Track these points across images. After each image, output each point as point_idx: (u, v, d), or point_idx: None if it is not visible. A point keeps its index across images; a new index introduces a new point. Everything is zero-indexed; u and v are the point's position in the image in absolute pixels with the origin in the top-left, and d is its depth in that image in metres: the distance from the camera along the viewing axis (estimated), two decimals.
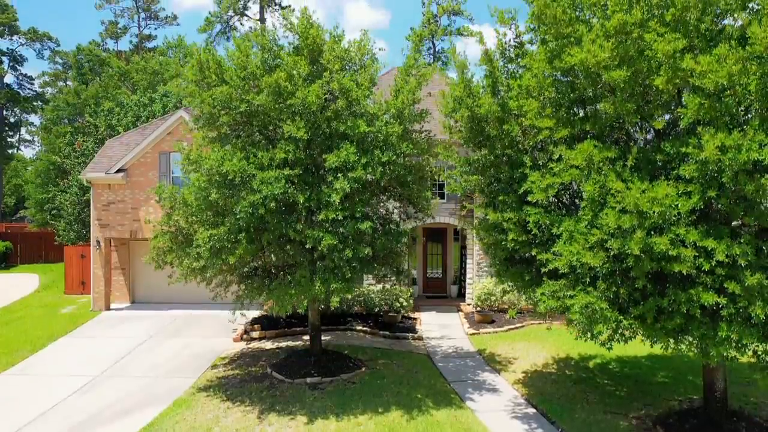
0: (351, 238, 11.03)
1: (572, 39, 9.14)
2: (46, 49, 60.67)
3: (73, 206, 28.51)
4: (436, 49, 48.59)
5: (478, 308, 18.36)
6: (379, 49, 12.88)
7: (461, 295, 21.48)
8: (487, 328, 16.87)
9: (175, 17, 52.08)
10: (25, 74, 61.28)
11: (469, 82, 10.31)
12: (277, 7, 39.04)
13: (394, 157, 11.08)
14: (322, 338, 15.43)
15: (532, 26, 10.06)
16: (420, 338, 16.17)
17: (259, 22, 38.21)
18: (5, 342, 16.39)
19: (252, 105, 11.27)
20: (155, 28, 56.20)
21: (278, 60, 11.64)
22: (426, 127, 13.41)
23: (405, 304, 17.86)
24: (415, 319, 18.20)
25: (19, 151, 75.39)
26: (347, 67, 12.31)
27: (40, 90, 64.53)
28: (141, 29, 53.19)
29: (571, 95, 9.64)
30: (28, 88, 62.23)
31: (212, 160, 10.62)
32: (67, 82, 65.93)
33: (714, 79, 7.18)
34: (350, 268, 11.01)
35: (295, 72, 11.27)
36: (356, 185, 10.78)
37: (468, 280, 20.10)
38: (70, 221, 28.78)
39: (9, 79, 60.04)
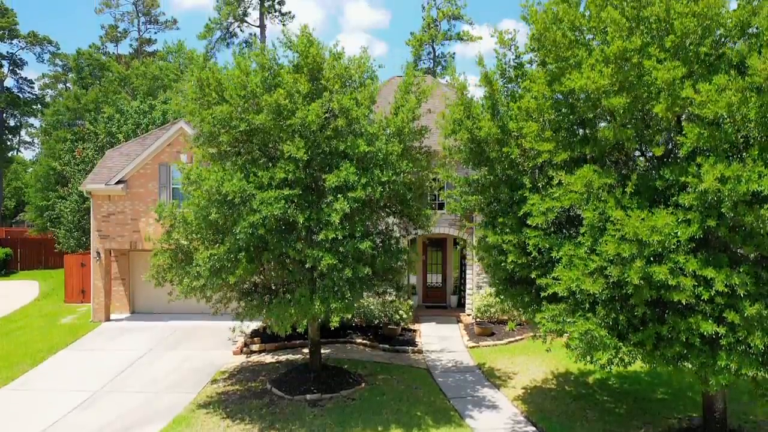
0: (351, 257, 11.04)
1: (572, 62, 9.16)
2: (46, 53, 60.68)
3: (73, 214, 28.51)
4: (436, 54, 48.56)
5: (478, 320, 18.37)
6: (379, 66, 12.91)
7: (461, 305, 21.49)
8: (486, 341, 16.88)
9: (174, 21, 52.14)
10: (25, 78, 61.29)
11: (469, 104, 10.33)
12: (277, 14, 39.08)
13: (394, 176, 11.09)
14: (322, 351, 15.45)
15: (532, 47, 10.07)
16: (420, 351, 16.18)
17: (259, 29, 38.29)
18: (5, 355, 16.40)
19: (252, 124, 11.28)
20: (155, 32, 56.28)
21: (278, 78, 11.63)
22: (426, 141, 13.38)
23: (405, 316, 17.86)
24: (414, 330, 18.21)
25: (19, 153, 75.38)
26: (347, 84, 12.32)
27: (40, 92, 64.60)
28: (141, 33, 53.21)
29: (571, 117, 9.67)
30: (28, 92, 62.27)
31: (212, 180, 10.64)
32: (67, 85, 66.02)
33: (713, 109, 7.19)
34: (350, 288, 11.02)
35: (295, 91, 11.27)
36: (356, 205, 10.79)
37: (468, 291, 20.11)
38: (69, 229, 28.77)
39: (9, 82, 60.10)
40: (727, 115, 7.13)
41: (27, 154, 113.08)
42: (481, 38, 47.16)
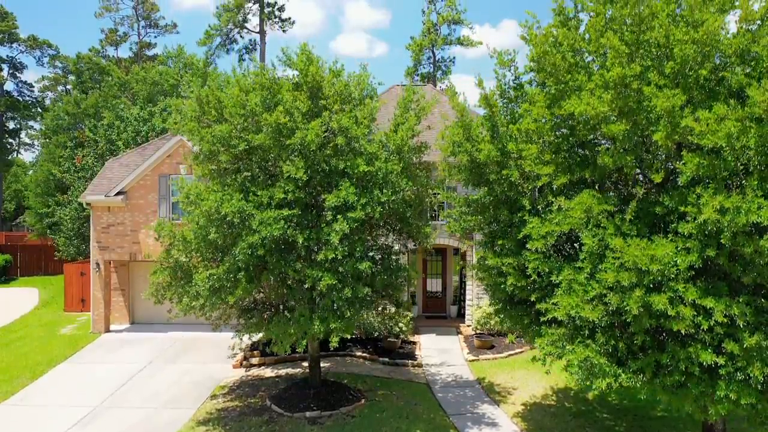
0: (350, 276, 11.05)
1: (571, 85, 9.16)
2: (45, 57, 60.68)
3: (72, 221, 28.49)
4: (437, 58, 48.56)
5: (478, 332, 18.36)
6: (378, 83, 12.90)
7: (461, 315, 21.48)
8: (486, 354, 16.87)
9: (174, 25, 52.16)
10: (25, 81, 61.30)
11: (469, 125, 10.32)
12: (277, 20, 39.08)
13: (393, 196, 11.08)
14: (322, 365, 15.46)
15: (531, 68, 10.07)
16: (420, 365, 16.18)
17: (258, 35, 38.24)
18: (5, 368, 16.40)
19: (251, 143, 11.28)
20: (155, 36, 56.27)
21: (278, 97, 11.62)
22: (425, 151, 13.34)
23: (404, 328, 17.86)
24: (414, 343, 18.20)
25: (19, 155, 75.26)
26: (347, 101, 12.31)
27: (40, 94, 64.59)
28: (141, 37, 53.20)
29: (571, 139, 9.66)
30: (28, 95, 62.26)
31: (211, 201, 10.64)
32: (67, 87, 66.03)
33: (713, 139, 7.19)
34: (349, 307, 11.02)
35: (294, 109, 11.26)
36: (355, 225, 10.79)
37: (468, 302, 20.11)
38: (69, 236, 28.76)
39: (9, 86, 60.09)
40: (727, 145, 7.12)
41: (27, 156, 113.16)
42: (481, 43, 47.27)
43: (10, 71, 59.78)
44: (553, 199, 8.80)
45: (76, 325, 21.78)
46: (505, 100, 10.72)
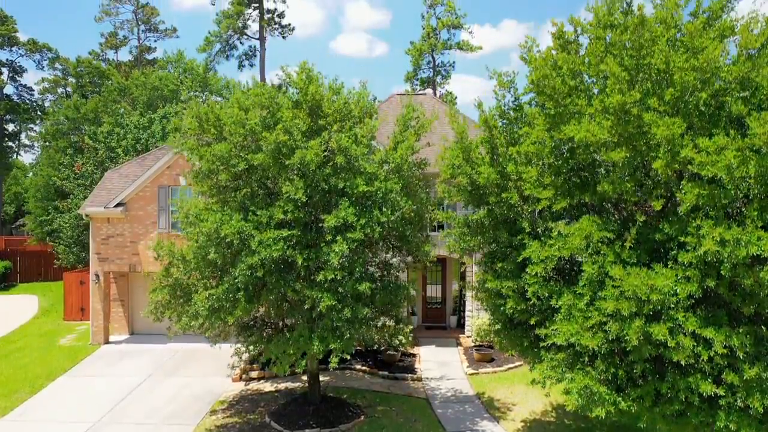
0: (350, 297, 11.04)
1: (571, 109, 9.16)
2: (45, 60, 60.64)
3: (72, 229, 28.48)
4: (436, 63, 48.52)
5: (477, 345, 18.35)
6: (378, 101, 12.87)
7: (461, 326, 21.47)
8: (486, 368, 16.86)
9: (174, 29, 52.09)
10: (25, 85, 61.20)
11: (468, 147, 10.31)
12: (277, 26, 39.04)
13: (393, 217, 11.08)
14: (321, 378, 15.43)
15: (531, 90, 10.06)
16: (419, 379, 16.16)
17: (258, 41, 38.22)
18: (4, 381, 16.38)
19: (251, 162, 11.27)
20: (155, 41, 56.26)
21: (278, 115, 11.61)
22: (425, 159, 13.30)
23: (404, 341, 17.83)
24: (414, 355, 18.19)
25: (19, 157, 75.12)
26: (347, 118, 12.29)
27: (40, 96, 64.56)
28: (141, 41, 53.19)
29: (570, 161, 9.66)
30: (28, 99, 62.19)
31: (210, 223, 10.63)
32: (67, 89, 66.01)
33: (713, 170, 7.18)
34: (349, 328, 11.01)
35: (294, 127, 11.25)
36: (355, 245, 10.79)
37: (467, 312, 20.10)
38: (69, 244, 28.74)
39: (8, 89, 60.05)
40: (727, 176, 7.11)
41: (27, 158, 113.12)
42: (481, 48, 47.12)
43: (10, 75, 59.80)
44: (553, 225, 8.78)
45: (75, 335, 21.76)
46: (504, 121, 10.71)
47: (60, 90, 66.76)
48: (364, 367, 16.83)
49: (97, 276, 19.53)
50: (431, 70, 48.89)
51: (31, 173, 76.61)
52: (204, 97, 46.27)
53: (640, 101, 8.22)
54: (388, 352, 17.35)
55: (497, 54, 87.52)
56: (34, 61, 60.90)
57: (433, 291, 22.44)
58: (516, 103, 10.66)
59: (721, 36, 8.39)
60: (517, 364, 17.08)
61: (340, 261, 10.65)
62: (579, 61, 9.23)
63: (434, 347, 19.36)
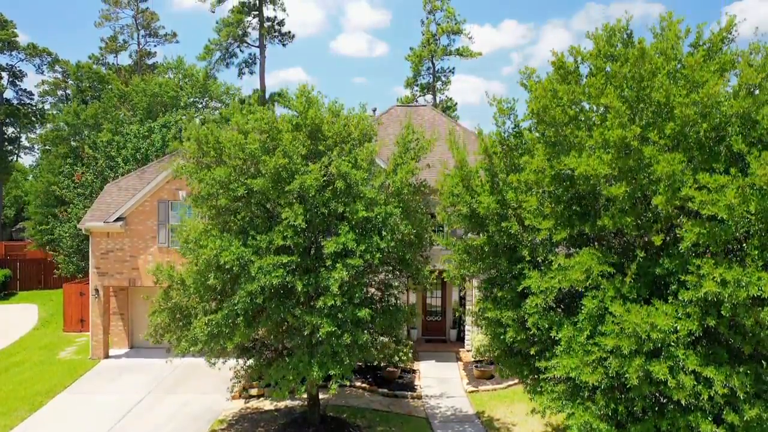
0: (350, 322, 11.03)
1: (571, 140, 9.14)
2: (45, 64, 60.63)
3: (72, 238, 28.44)
4: (436, 69, 48.51)
5: (477, 362, 18.32)
6: (378, 123, 12.86)
7: (461, 339, 21.45)
8: (486, 385, 16.84)
9: (174, 34, 52.11)
10: (25, 89, 61.20)
11: (468, 175, 10.29)
12: (276, 34, 39.00)
13: (393, 243, 11.06)
14: (321, 396, 15.40)
15: (531, 119, 10.05)
16: (419, 397, 16.14)
17: (258, 49, 38.21)
18: (4, 399, 16.35)
19: (251, 187, 11.25)
20: (155, 45, 56.35)
21: (278, 139, 11.59)
22: (424, 175, 13.28)
23: (404, 358, 17.79)
24: (414, 371, 18.17)
25: (19, 159, 75.03)
26: (346, 140, 12.27)
27: (40, 99, 64.61)
28: (141, 46, 53.18)
29: (571, 190, 9.64)
30: (28, 104, 62.17)
31: (209, 250, 10.61)
32: (67, 91, 65.98)
33: (713, 210, 7.17)
34: (348, 354, 11.00)
35: (294, 154, 11.24)
36: (354, 271, 10.78)
37: (467, 326, 20.07)
38: (69, 254, 28.71)
39: (8, 94, 60.05)
40: (728, 215, 7.09)
41: (27, 160, 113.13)
42: (480, 54, 47.13)
43: (10, 79, 59.80)
44: (553, 257, 8.77)
45: (75, 348, 21.75)
46: (505, 147, 10.68)
47: (60, 92, 66.83)
48: (363, 385, 16.81)
49: (97, 291, 19.51)
50: (431, 75, 48.90)
51: (31, 176, 76.68)
52: (204, 103, 46.33)
53: (640, 136, 8.19)
54: (388, 368, 17.32)
55: (497, 54, 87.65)
56: (34, 65, 60.92)
57: (433, 302, 22.41)
58: (516, 129, 10.63)
59: (722, 69, 8.37)
60: (517, 381, 17.01)
61: (340, 287, 10.64)
62: (579, 90, 9.20)
63: (434, 362, 19.34)
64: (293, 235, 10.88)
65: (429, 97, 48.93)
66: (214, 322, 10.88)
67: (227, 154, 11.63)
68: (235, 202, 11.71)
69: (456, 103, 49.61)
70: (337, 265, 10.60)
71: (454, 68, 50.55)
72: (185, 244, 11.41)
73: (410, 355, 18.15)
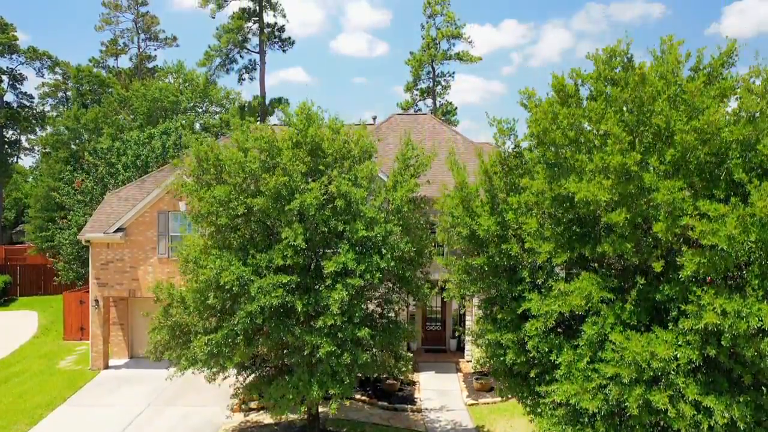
0: (350, 341, 11.03)
1: (571, 163, 9.13)
2: (45, 68, 60.64)
3: (72, 245, 28.44)
4: (436, 73, 48.51)
5: (477, 373, 18.31)
6: (378, 139, 12.87)
7: (460, 349, 21.46)
8: (486, 398, 16.84)
9: (174, 38, 52.16)
10: (25, 92, 61.23)
11: (468, 197, 10.29)
12: (276, 40, 39.03)
13: (393, 262, 11.06)
14: (321, 409, 15.38)
15: (531, 141, 10.05)
16: (419, 410, 16.14)
17: (258, 54, 38.22)
18: (4, 411, 16.36)
19: (250, 206, 11.25)
20: (155, 49, 56.38)
21: (278, 158, 11.58)
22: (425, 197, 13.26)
23: (404, 369, 17.79)
24: (414, 383, 18.17)
25: (19, 160, 75.00)
26: (347, 157, 12.26)
27: (40, 100, 64.69)
28: (141, 50, 53.19)
29: (571, 211, 9.62)
30: (28, 107, 62.17)
31: (209, 270, 10.60)
32: (67, 93, 65.99)
33: (713, 240, 7.15)
34: (348, 373, 11.00)
35: (294, 172, 11.23)
36: (354, 291, 10.78)
37: (467, 336, 20.06)
38: (69, 260, 28.72)
39: (9, 97, 60.04)
40: (728, 246, 7.08)
41: (27, 161, 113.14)
42: (480, 59, 47.14)
43: (10, 82, 59.81)
44: (553, 283, 8.77)
45: (75, 357, 21.75)
46: (505, 167, 10.67)
47: (60, 94, 66.86)
48: (363, 397, 16.80)
49: (97, 302, 19.52)
50: (431, 80, 48.89)
51: (31, 177, 76.69)
52: (204, 107, 46.35)
53: (640, 162, 8.19)
54: (388, 381, 17.32)
55: (497, 54, 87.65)
56: (35, 68, 60.92)
57: (432, 311, 22.40)
58: (516, 149, 10.62)
59: (722, 95, 8.36)
60: None
61: (340, 306, 10.64)
62: (580, 112, 9.19)
63: (434, 373, 19.34)
64: (293, 254, 10.87)
65: (429, 101, 48.94)
66: (214, 342, 10.87)
67: (227, 172, 11.63)
68: (235, 219, 11.70)
69: (456, 108, 49.63)
70: (337, 285, 10.60)
71: (454, 73, 50.47)
72: (185, 263, 11.40)
73: (410, 367, 18.16)
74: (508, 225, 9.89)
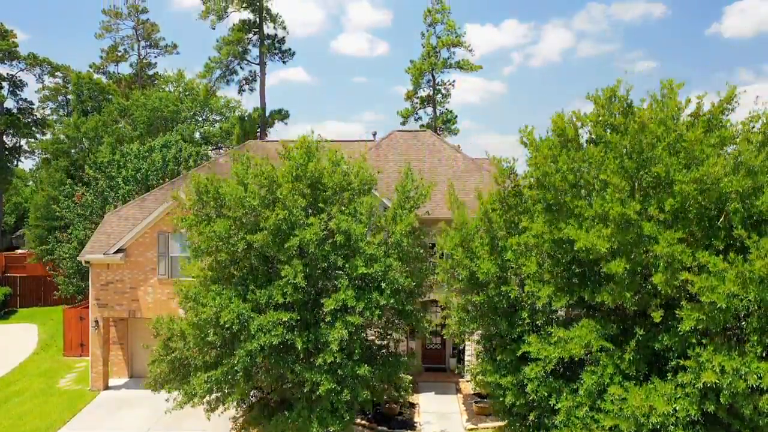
0: (349, 377, 11.03)
1: (571, 207, 9.15)
2: (45, 74, 60.67)
3: (71, 260, 28.44)
4: (436, 81, 48.51)
5: (477, 395, 18.30)
6: (378, 172, 12.88)
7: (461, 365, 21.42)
8: (485, 422, 16.80)
9: (175, 46, 52.17)
10: (25, 99, 61.18)
11: (467, 237, 10.30)
12: (277, 51, 39.01)
13: (392, 299, 11.07)
14: None
15: (531, 184, 10.07)
16: None
17: (258, 66, 38.22)
18: None
19: (250, 242, 11.25)
20: (155, 57, 56.40)
21: (278, 192, 11.58)
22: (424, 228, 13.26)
23: (404, 392, 17.81)
24: (414, 405, 18.15)
25: (19, 163, 74.90)
26: (346, 190, 12.27)
27: (40, 104, 64.79)
28: (141, 58, 53.21)
29: (570, 253, 9.64)
30: (28, 113, 62.16)
31: (209, 308, 10.61)
32: (67, 97, 66.00)
33: (712, 297, 7.17)
34: (348, 410, 11.01)
35: (294, 207, 11.24)
36: (353, 328, 10.79)
37: (467, 357, 20.05)
38: (69, 275, 28.72)
39: (9, 103, 60.05)
40: (727, 304, 7.10)
41: (27, 164, 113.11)
42: (481, 67, 47.17)
43: (10, 89, 59.84)
44: (552, 330, 8.79)
45: (75, 375, 21.75)
46: (504, 205, 10.68)
47: (60, 98, 66.92)
48: (363, 422, 16.76)
49: (97, 322, 19.52)
50: (431, 88, 48.88)
51: (31, 181, 76.65)
52: (204, 116, 46.36)
53: (639, 212, 8.20)
54: (388, 404, 17.29)
55: (498, 53, 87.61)
56: (35, 75, 60.97)
57: (433, 335, 22.36)
58: (516, 188, 10.63)
59: (721, 144, 8.38)
60: None
61: (339, 343, 10.65)
62: (579, 156, 9.22)
63: (434, 394, 19.32)
64: (293, 291, 10.88)
65: (429, 109, 48.95)
66: (213, 379, 10.88)
67: (227, 207, 11.64)
68: (235, 254, 11.71)
69: (456, 116, 49.58)
70: (337, 323, 10.61)
71: (454, 81, 50.32)
72: (185, 299, 11.41)
73: (410, 389, 18.15)
74: (507, 266, 9.91)
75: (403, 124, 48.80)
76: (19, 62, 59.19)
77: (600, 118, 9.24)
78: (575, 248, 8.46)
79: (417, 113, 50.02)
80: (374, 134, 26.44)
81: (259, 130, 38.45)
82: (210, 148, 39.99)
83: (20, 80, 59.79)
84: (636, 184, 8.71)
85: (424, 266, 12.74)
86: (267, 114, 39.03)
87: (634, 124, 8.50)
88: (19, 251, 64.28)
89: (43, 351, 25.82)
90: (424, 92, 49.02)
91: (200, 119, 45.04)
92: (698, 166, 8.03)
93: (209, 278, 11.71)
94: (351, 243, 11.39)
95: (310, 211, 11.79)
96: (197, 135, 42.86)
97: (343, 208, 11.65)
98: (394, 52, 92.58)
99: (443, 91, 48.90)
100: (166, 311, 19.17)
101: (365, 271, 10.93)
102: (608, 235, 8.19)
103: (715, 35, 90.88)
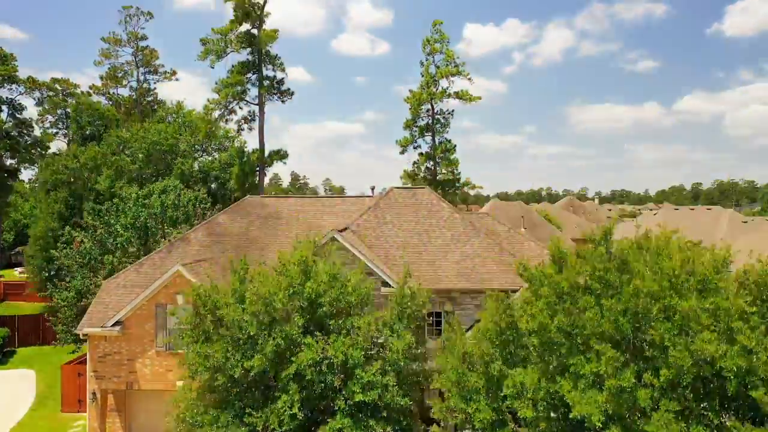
0: None
1: (566, 363, 9.17)
2: (45, 98, 60.79)
3: (70, 309, 28.47)
4: (435, 111, 48.55)
5: None
6: (372, 290, 12.92)
7: None
8: None
9: (174, 72, 52.22)
10: (24, 121, 61.26)
11: (463, 377, 10.32)
12: (276, 92, 39.08)
13: (389, 427, 11.09)
14: None
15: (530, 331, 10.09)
16: None
17: (257, 106, 38.27)
18: None
19: (247, 368, 11.28)
20: (154, 83, 56.57)
21: (275, 314, 11.61)
22: (422, 353, 13.35)
23: None
24: None
25: (19, 173, 74.91)
26: (344, 303, 12.29)
27: (39, 117, 65.05)
28: (140, 84, 53.26)
29: (563, 408, 9.65)
30: (26, 133, 62.21)
31: None
32: (66, 110, 66.06)
33: None
34: None
35: (292, 329, 11.28)
36: None
37: None
38: (67, 323, 28.73)
39: (8, 125, 60.06)
40: None
41: (26, 174, 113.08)
42: (480, 98, 47.25)
43: (10, 112, 59.89)
44: None
45: None
46: (502, 338, 10.70)
47: (60, 111, 67.06)
48: None
49: (94, 395, 19.54)
50: (430, 117, 48.90)
51: (29, 196, 76.70)
52: (203, 146, 46.36)
53: (634, 383, 8.23)
54: None
55: (499, 53, 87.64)
56: (34, 98, 61.13)
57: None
58: (512, 320, 10.65)
59: (715, 313, 8.40)
60: None
61: None
62: (576, 309, 9.24)
63: None
64: (289, 420, 10.90)
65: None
66: None
67: (225, 326, 11.67)
68: (232, 378, 11.74)
69: (455, 145, 49.56)
70: None
71: (453, 110, 50.28)
72: (180, 423, 11.43)
73: None
74: (503, 410, 9.94)
75: (402, 153, 48.83)
76: (18, 86, 59.45)
77: (595, 269, 9.27)
78: (570, 416, 8.49)
79: (416, 141, 50.02)
80: (372, 188, 26.53)
81: (258, 170, 38.48)
82: (210, 184, 39.99)
83: (19, 103, 60.01)
84: (632, 343, 8.75)
85: (421, 380, 12.75)
86: (266, 155, 39.09)
87: (628, 288, 8.53)
88: (18, 270, 64.46)
89: (41, 406, 25.78)
90: (423, 121, 49.06)
91: (199, 149, 45.04)
92: (693, 337, 8.06)
93: (207, 403, 11.72)
94: (348, 367, 11.41)
95: (309, 329, 11.81)
96: (196, 166, 42.86)
97: (340, 325, 11.68)
98: (395, 51, 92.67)
99: (442, 120, 48.93)
100: (164, 384, 19.28)
101: (362, 398, 10.95)
102: (602, 402, 8.22)
103: (716, 34, 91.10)
